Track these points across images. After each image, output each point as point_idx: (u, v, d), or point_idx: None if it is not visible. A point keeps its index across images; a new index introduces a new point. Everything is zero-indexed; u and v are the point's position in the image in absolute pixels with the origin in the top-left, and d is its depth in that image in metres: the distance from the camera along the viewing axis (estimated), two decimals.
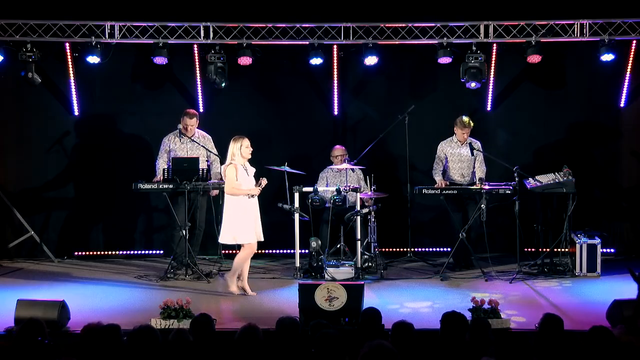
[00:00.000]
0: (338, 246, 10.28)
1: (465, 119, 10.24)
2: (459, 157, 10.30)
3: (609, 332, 5.64)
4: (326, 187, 10.38)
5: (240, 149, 9.01)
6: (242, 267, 9.10)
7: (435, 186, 10.27)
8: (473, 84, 10.58)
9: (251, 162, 10.80)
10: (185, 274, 9.86)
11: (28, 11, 10.51)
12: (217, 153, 10.34)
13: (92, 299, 9.01)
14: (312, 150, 11.39)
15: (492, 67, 10.93)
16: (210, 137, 10.43)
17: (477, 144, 10.26)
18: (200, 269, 9.92)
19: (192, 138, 10.24)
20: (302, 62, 10.82)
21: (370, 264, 10.06)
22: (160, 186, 9.89)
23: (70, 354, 5.62)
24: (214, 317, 6.22)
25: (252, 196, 9.06)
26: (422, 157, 11.22)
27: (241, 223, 9.01)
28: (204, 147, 10.20)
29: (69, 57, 10.81)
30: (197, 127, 10.37)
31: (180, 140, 10.28)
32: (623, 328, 6.18)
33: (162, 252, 11.31)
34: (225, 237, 9.10)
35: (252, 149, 9.09)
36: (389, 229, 10.89)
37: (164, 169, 9.91)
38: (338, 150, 10.68)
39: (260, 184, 9.13)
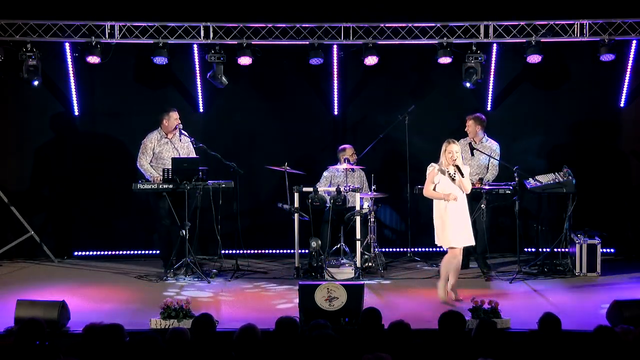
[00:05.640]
0: (338, 246, 10.27)
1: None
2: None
3: (614, 332, 5.65)
4: (328, 187, 10.37)
5: (445, 153, 8.73)
6: (446, 272, 8.82)
7: None
8: (468, 84, 10.59)
9: (250, 162, 10.87)
10: (185, 273, 9.86)
11: (28, 11, 10.50)
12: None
13: (92, 299, 9.01)
14: (312, 150, 11.39)
15: (492, 67, 10.93)
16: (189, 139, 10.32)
17: (489, 145, 10.21)
18: (201, 268, 9.92)
19: (173, 139, 10.15)
20: (302, 62, 10.81)
21: (370, 264, 10.07)
22: (160, 186, 9.88)
23: (71, 354, 5.62)
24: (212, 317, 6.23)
25: (453, 200, 8.67)
26: (422, 157, 11.19)
27: (439, 226, 8.84)
28: (199, 147, 10.18)
29: (69, 57, 10.81)
30: (182, 130, 10.25)
31: (166, 140, 10.20)
32: (624, 328, 6.19)
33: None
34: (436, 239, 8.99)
35: (455, 157, 8.63)
36: (389, 229, 10.89)
37: (164, 169, 9.89)
38: (350, 149, 10.61)
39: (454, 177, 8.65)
